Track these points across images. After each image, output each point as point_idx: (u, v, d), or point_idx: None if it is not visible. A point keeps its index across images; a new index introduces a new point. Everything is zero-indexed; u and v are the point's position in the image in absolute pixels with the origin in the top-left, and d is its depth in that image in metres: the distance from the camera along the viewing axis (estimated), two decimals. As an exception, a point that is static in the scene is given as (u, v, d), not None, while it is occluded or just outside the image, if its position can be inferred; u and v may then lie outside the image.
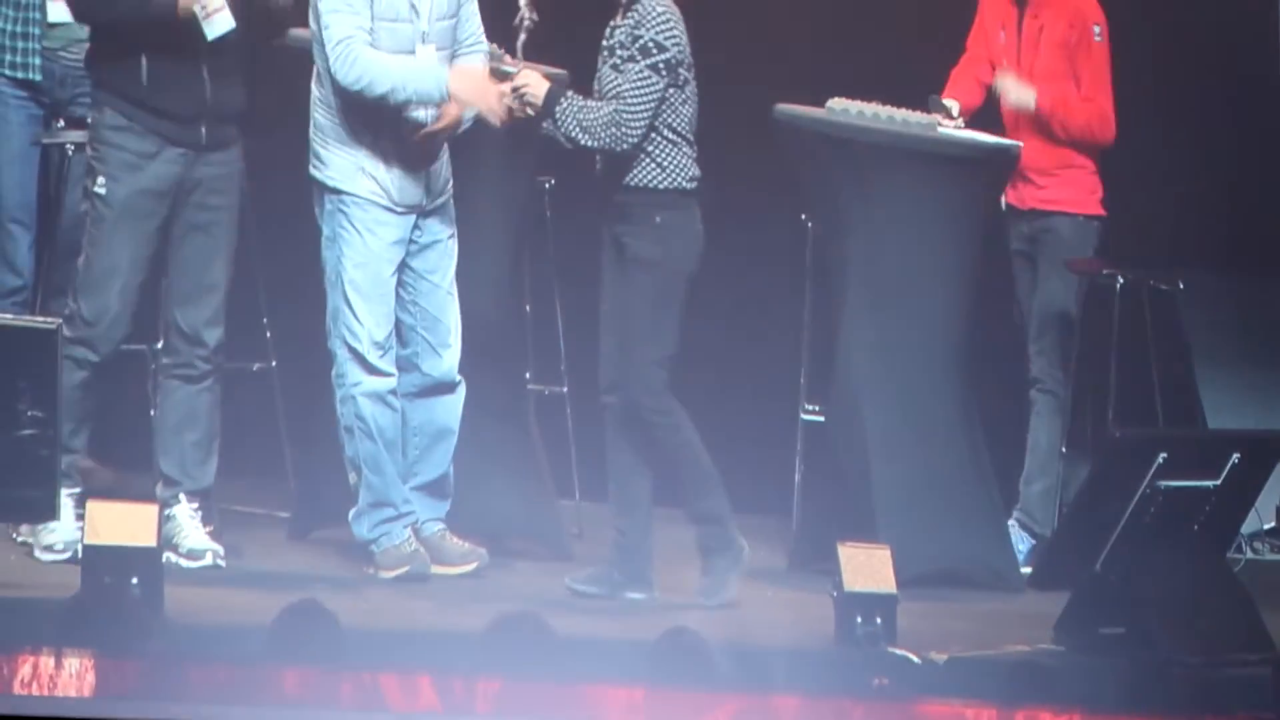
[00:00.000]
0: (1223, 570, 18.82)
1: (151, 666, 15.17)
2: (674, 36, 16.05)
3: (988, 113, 18.49)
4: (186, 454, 15.76)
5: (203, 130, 15.58)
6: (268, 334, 16.18)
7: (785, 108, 17.77)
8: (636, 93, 16.08)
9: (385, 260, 16.16)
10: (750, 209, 17.61)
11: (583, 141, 16.13)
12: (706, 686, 16.53)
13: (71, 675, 14.89)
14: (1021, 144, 18.44)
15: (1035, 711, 17.59)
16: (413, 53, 16.16)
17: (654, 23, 16.03)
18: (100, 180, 15.36)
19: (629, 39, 16.11)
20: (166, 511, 15.52)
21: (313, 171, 16.13)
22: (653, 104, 16.06)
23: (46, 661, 14.86)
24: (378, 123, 16.13)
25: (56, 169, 16.79)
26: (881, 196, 18.05)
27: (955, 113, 18.23)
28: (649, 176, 16.28)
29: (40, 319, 15.48)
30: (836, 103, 17.84)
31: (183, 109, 15.54)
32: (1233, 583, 18.74)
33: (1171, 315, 19.16)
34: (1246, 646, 18.44)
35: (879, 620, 17.15)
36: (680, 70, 16.21)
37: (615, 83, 16.17)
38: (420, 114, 16.22)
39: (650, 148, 16.22)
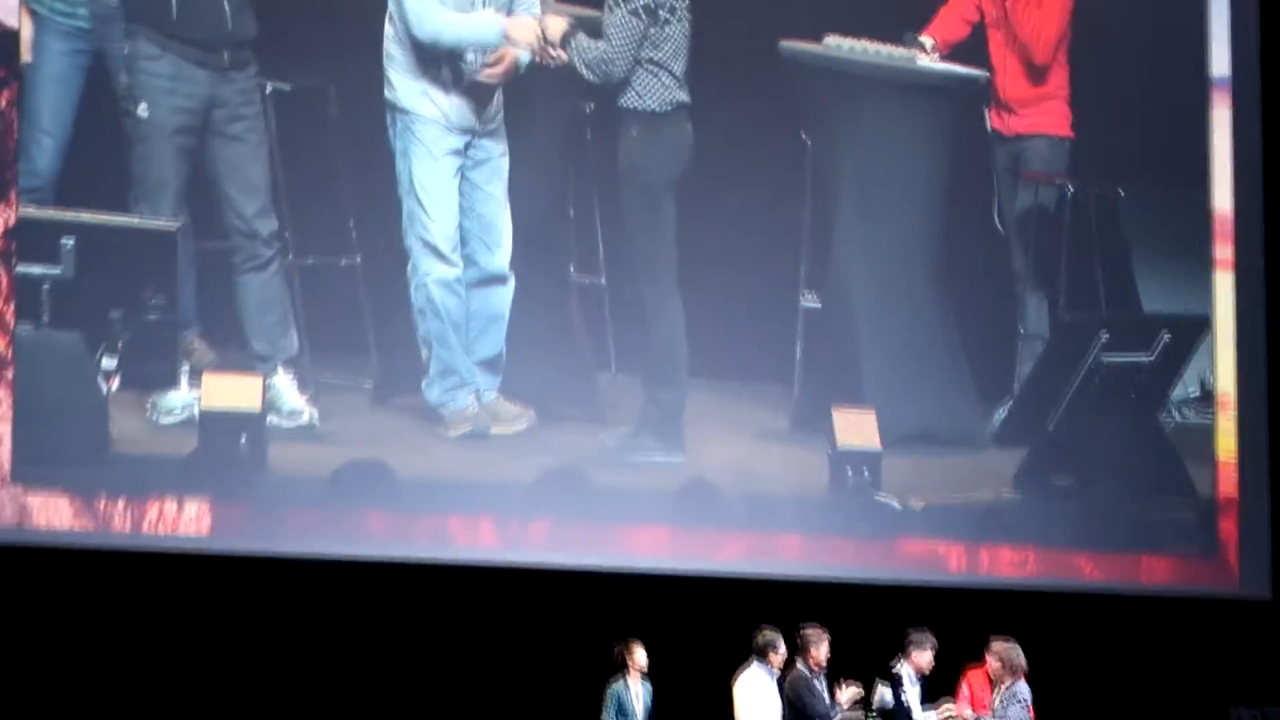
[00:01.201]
0: (1155, 430, 19.05)
1: (257, 510, 15.64)
2: None
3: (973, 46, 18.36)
4: (270, 331, 15.81)
5: (225, 55, 15.60)
6: (353, 234, 16.04)
7: (789, 44, 17.70)
8: (618, 35, 16.33)
9: (447, 170, 16.24)
10: (758, 129, 17.53)
11: (585, 75, 16.49)
12: (721, 527, 17.14)
13: (190, 518, 15.36)
14: (986, 74, 18.52)
15: (997, 548, 18.05)
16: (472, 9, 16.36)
17: None
18: (142, 105, 15.36)
19: None
20: (268, 380, 15.66)
21: (386, 94, 16.18)
22: (633, 44, 16.31)
23: (170, 506, 15.30)
24: (438, 57, 16.21)
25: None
26: (870, 118, 18.07)
27: (930, 48, 18.16)
28: (630, 100, 16.53)
29: (163, 221, 15.42)
30: (832, 39, 17.83)
31: (207, 37, 15.58)
32: (1163, 440, 19.05)
33: (1113, 217, 19.07)
34: (1174, 493, 18.96)
35: (866, 472, 17.57)
36: (660, 12, 16.39)
37: (606, 24, 16.43)
38: (472, 57, 16.30)
39: (632, 77, 16.47)
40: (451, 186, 16.21)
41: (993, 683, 14.89)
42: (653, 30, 16.29)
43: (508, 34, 16.13)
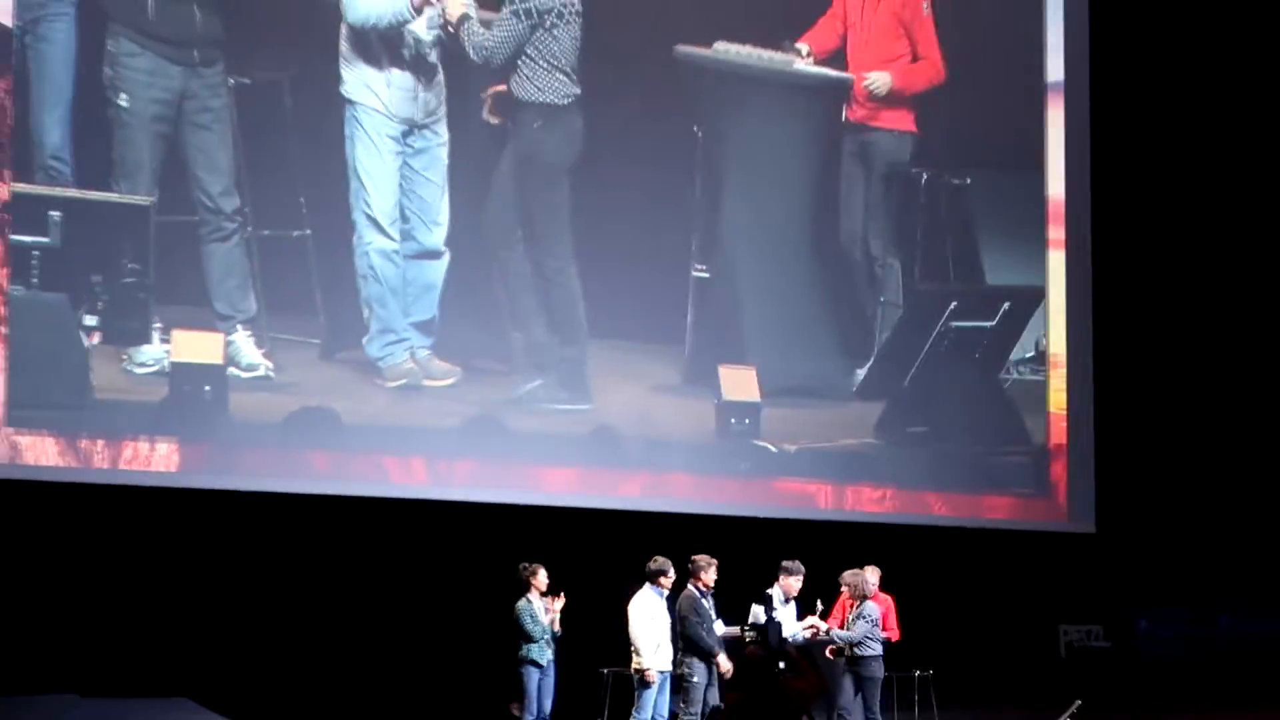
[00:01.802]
0: (996, 386, 19.43)
1: (219, 450, 15.56)
2: None
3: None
4: (231, 294, 15.70)
5: (195, 53, 15.59)
6: (304, 210, 15.92)
7: (683, 48, 17.85)
8: (501, 30, 16.54)
9: (388, 155, 16.32)
10: (656, 122, 17.56)
11: (472, 56, 16.55)
12: (621, 467, 17.40)
13: (161, 456, 15.27)
14: (852, 77, 18.65)
15: (860, 487, 18.56)
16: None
17: None
18: (122, 96, 15.30)
19: None
20: (229, 338, 15.61)
21: (340, 88, 16.21)
22: (510, 40, 16.52)
23: (144, 446, 15.21)
24: (378, 53, 16.27)
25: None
26: (753, 113, 18.28)
27: (805, 54, 18.40)
28: (528, 94, 16.69)
29: (139, 197, 15.28)
30: (721, 45, 17.99)
31: (180, 36, 15.54)
32: (1003, 395, 19.46)
33: (961, 202, 19.39)
34: (1011, 441, 19.46)
35: (747, 421, 17.94)
36: (548, 17, 16.57)
37: (496, 19, 16.60)
38: (408, 52, 16.34)
39: (530, 73, 16.61)
40: (392, 169, 16.28)
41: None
42: (539, 32, 16.53)
43: (413, 4, 16.20)
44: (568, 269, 17.04)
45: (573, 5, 16.77)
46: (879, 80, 18.67)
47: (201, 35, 15.60)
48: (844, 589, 15.50)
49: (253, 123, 15.79)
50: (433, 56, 16.46)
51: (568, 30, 16.72)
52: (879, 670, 15.39)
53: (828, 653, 14.92)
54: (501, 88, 16.60)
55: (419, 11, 16.33)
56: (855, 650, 14.95)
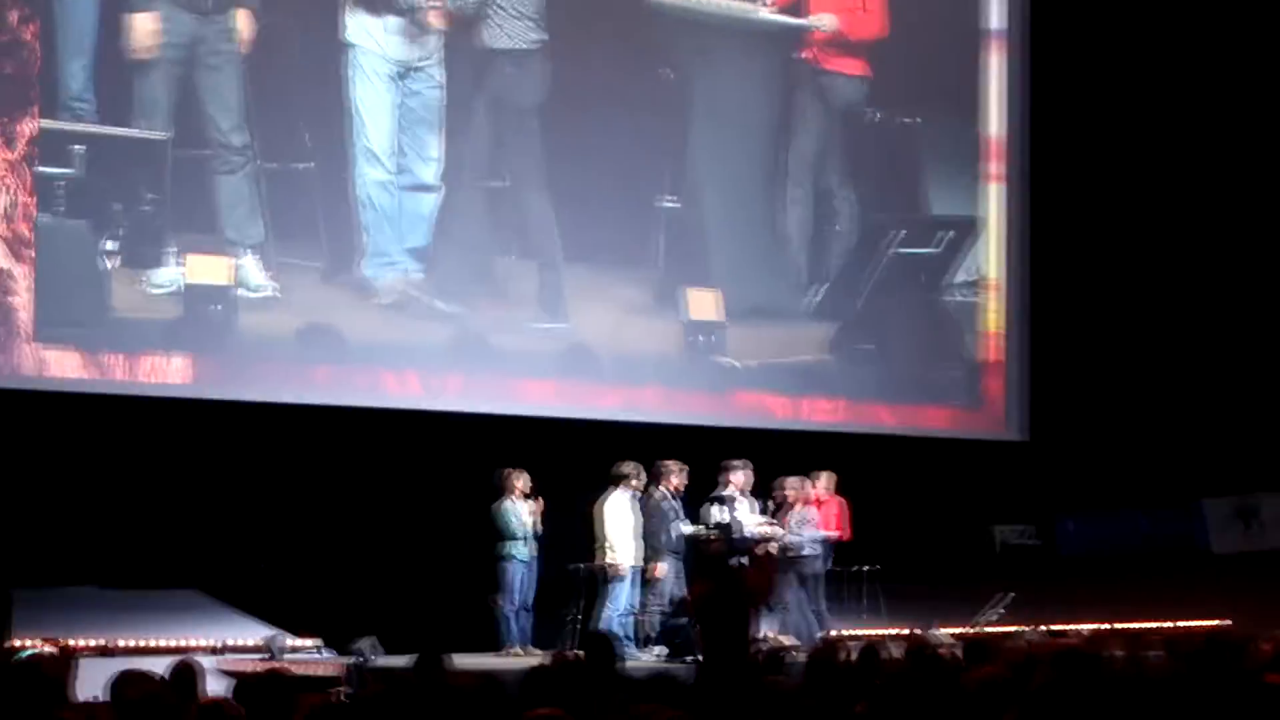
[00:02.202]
0: (938, 308, 19.59)
1: (229, 365, 15.64)
2: None
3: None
4: (240, 222, 15.64)
5: (208, 1, 15.55)
6: (308, 144, 15.88)
7: None
8: None
9: (384, 94, 16.30)
10: (629, 64, 17.50)
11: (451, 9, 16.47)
12: (596, 382, 17.46)
13: (176, 369, 15.33)
14: (809, 24, 18.65)
15: (814, 400, 18.72)
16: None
17: None
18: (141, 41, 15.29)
19: None
20: (238, 260, 15.62)
21: (340, 34, 16.14)
22: None
23: (160, 360, 15.25)
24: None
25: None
26: (719, 57, 18.33)
27: (767, 1, 18.42)
28: (498, 41, 16.63)
29: (156, 133, 15.27)
30: None
31: None
32: (945, 316, 19.62)
33: (909, 139, 19.47)
34: (952, 358, 19.62)
35: (712, 338, 18.03)
36: None
37: None
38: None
39: (499, 21, 16.56)
40: (389, 107, 16.29)
41: (779, 507, 15.57)
42: None
43: None
44: (543, 200, 17.02)
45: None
46: (825, 21, 18.69)
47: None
48: (789, 493, 15.73)
49: (260, 65, 15.72)
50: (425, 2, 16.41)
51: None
52: (819, 566, 15.70)
53: (759, 550, 15.17)
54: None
55: None
56: (793, 550, 15.29)
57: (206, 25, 15.57)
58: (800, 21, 18.62)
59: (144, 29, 15.23)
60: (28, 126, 14.54)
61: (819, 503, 16.10)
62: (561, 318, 17.13)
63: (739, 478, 15.52)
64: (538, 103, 17.00)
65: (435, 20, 16.48)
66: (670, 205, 17.87)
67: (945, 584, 18.82)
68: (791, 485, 15.72)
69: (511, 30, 16.73)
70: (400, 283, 16.33)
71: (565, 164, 17.17)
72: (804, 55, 18.73)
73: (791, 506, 15.71)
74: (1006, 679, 7.15)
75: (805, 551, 15.41)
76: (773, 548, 15.29)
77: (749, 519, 15.46)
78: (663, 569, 15.16)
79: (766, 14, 18.40)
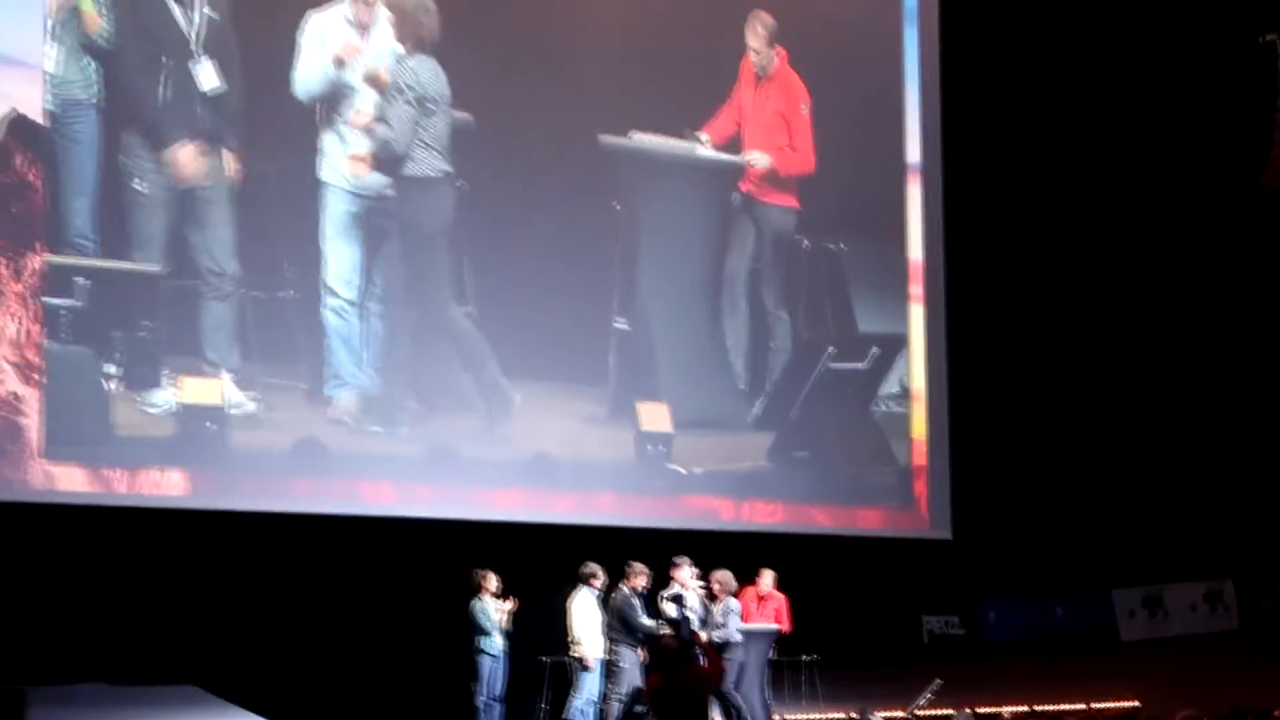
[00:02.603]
0: (868, 417, 19.61)
1: (222, 477, 15.51)
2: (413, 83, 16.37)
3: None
4: (220, 346, 15.46)
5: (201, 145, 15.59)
6: (286, 274, 15.74)
7: (605, 137, 18.08)
8: (396, 123, 16.33)
9: (349, 228, 16.27)
10: (581, 198, 17.52)
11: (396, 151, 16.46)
12: (556, 488, 17.32)
13: (173, 483, 15.22)
14: (745, 162, 18.81)
15: (755, 503, 18.61)
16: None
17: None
18: (137, 181, 15.15)
19: None
20: (224, 382, 15.54)
21: (317, 172, 16.21)
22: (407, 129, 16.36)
23: (157, 474, 15.15)
24: (333, 132, 16.25)
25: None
26: (662, 189, 18.48)
27: (705, 141, 18.57)
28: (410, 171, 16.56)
29: (150, 266, 15.23)
30: (635, 134, 18.21)
31: (187, 133, 15.44)
32: (873, 425, 19.65)
33: (837, 264, 19.52)
34: (881, 463, 19.60)
35: (661, 448, 18.00)
36: (427, 104, 16.37)
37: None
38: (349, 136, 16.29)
39: (422, 156, 16.50)
40: (354, 239, 16.29)
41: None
42: (422, 119, 16.43)
43: (335, 58, 16.14)
44: (503, 323, 16.99)
45: (445, 96, 16.69)
46: (759, 159, 18.85)
47: (206, 130, 15.63)
48: (715, 585, 15.67)
49: (247, 204, 15.80)
50: (380, 129, 16.41)
51: (441, 118, 16.66)
52: (741, 654, 15.58)
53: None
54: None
55: (341, 65, 16.17)
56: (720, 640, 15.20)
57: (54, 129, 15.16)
58: (735, 158, 18.77)
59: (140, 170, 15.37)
60: (34, 261, 14.60)
61: (760, 599, 16.15)
62: (524, 430, 17.07)
63: (678, 574, 15.59)
64: (498, 234, 17.02)
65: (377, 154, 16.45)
66: (621, 327, 17.92)
67: (879, 671, 18.78)
68: (718, 578, 15.74)
69: (432, 164, 16.60)
70: (361, 400, 16.20)
71: (527, 290, 17.19)
72: (741, 188, 18.87)
73: (717, 599, 15.66)
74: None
75: (734, 639, 15.37)
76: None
77: (697, 604, 15.56)
78: (622, 656, 15.22)
79: (705, 151, 18.54)
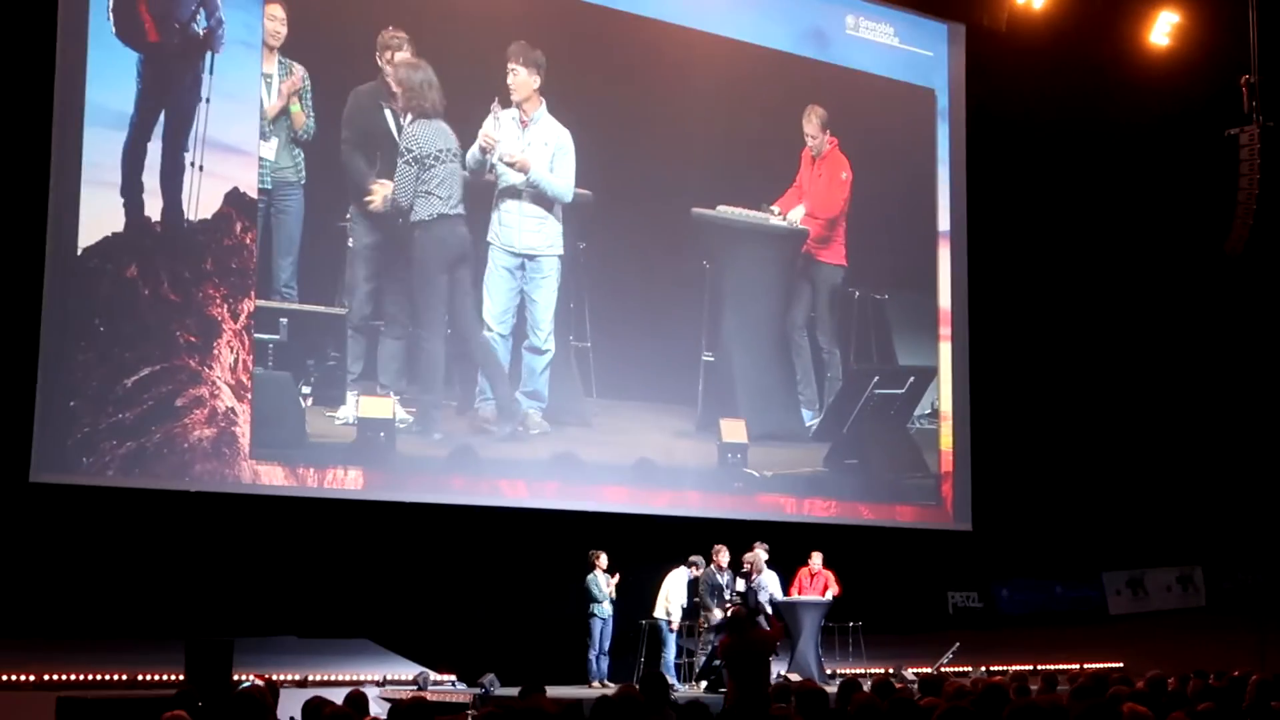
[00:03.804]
0: (904, 433, 19.41)
1: (391, 475, 15.54)
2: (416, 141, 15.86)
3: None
4: (391, 372, 15.39)
5: (384, 206, 15.46)
6: (445, 318, 16.24)
7: (697, 210, 17.99)
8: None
9: (505, 277, 16.22)
10: (673, 258, 17.47)
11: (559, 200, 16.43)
12: (654, 487, 17.10)
13: (353, 479, 15.35)
14: (806, 229, 18.69)
15: (814, 500, 18.40)
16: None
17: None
18: (349, 239, 15.24)
19: None
20: (395, 401, 15.60)
21: (486, 234, 16.20)
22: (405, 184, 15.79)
23: (340, 472, 15.27)
24: (493, 195, 16.23)
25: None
26: (742, 250, 18.37)
27: (776, 213, 18.49)
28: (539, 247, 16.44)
29: (336, 309, 15.36)
30: (721, 207, 18.14)
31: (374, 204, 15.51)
32: (910, 439, 19.43)
33: (881, 311, 19.39)
34: (916, 470, 19.35)
35: (739, 456, 17.87)
36: (426, 160, 15.78)
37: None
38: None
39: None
40: (509, 288, 16.28)
41: (748, 574, 15.33)
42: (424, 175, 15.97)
43: (480, 146, 16.09)
44: (618, 356, 17.00)
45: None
46: (815, 225, 18.64)
47: (392, 199, 15.74)
48: (748, 564, 15.46)
49: (421, 258, 15.81)
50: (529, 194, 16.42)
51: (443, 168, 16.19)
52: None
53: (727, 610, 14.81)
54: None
55: (484, 151, 16.14)
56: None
57: (381, 230, 15.65)
58: (799, 227, 18.65)
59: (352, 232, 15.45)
60: (247, 305, 14.77)
61: (812, 575, 16.07)
62: (629, 440, 17.05)
63: (750, 556, 15.48)
64: (612, 285, 17.01)
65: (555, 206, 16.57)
66: (708, 359, 17.81)
67: (911, 636, 18.64)
68: (749, 559, 15.55)
69: (540, 235, 16.52)
70: (502, 415, 16.20)
71: (634, 328, 17.18)
72: (802, 250, 18.72)
73: (751, 575, 15.53)
74: (950, 708, 7.15)
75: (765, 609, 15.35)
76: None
77: (772, 587, 15.47)
78: (712, 618, 15.17)
79: (776, 221, 18.46)
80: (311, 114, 15.38)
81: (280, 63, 15.29)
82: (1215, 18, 19.87)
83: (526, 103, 16.47)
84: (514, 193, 16.43)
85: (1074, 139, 21.20)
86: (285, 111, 15.28)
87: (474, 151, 16.22)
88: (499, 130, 16.32)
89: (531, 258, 16.51)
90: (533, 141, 16.56)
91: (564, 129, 16.72)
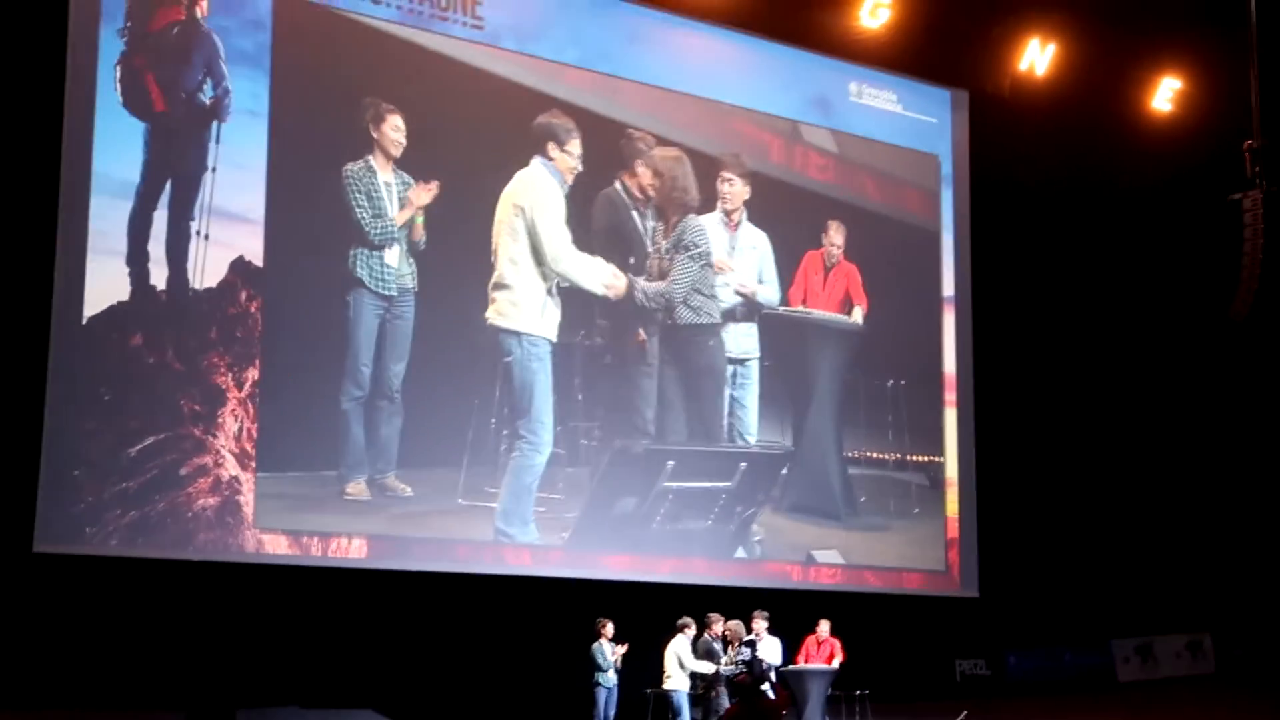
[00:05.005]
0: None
1: (394, 543, 15.40)
2: None
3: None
4: (389, 454, 15.48)
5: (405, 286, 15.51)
6: (449, 393, 16.30)
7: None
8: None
9: (540, 372, 16.22)
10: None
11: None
12: (659, 554, 17.10)
13: (356, 548, 15.26)
14: (860, 322, 18.94)
15: (819, 567, 18.11)
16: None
17: None
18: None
19: None
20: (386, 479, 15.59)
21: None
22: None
23: (344, 541, 15.18)
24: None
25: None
26: (816, 343, 18.73)
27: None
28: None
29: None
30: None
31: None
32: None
33: (897, 395, 19.38)
34: (923, 537, 18.70)
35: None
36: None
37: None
38: None
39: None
40: (545, 382, 16.39)
41: (727, 643, 15.02)
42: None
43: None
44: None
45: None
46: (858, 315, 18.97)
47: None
48: (728, 634, 14.99)
49: (428, 338, 15.81)
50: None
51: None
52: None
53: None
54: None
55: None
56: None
57: (386, 307, 15.62)
58: (854, 321, 18.98)
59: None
60: (250, 373, 14.74)
61: (819, 643, 15.94)
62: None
63: (755, 623, 15.37)
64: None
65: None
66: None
67: (919, 704, 18.51)
68: (731, 627, 15.15)
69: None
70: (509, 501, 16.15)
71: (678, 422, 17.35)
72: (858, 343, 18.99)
73: (731, 644, 15.17)
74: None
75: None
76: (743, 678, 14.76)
77: (772, 655, 15.36)
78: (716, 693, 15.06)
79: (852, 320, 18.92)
80: (427, 230, 15.74)
81: (396, 173, 15.65)
82: (1217, 83, 20.12)
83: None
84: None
85: (1078, 204, 21.30)
86: (412, 222, 15.68)
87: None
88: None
89: (555, 346, 16.52)
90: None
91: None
